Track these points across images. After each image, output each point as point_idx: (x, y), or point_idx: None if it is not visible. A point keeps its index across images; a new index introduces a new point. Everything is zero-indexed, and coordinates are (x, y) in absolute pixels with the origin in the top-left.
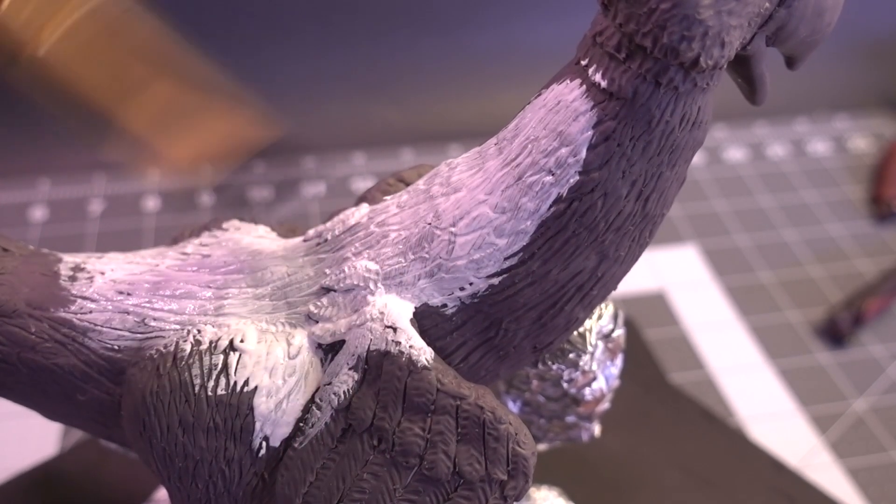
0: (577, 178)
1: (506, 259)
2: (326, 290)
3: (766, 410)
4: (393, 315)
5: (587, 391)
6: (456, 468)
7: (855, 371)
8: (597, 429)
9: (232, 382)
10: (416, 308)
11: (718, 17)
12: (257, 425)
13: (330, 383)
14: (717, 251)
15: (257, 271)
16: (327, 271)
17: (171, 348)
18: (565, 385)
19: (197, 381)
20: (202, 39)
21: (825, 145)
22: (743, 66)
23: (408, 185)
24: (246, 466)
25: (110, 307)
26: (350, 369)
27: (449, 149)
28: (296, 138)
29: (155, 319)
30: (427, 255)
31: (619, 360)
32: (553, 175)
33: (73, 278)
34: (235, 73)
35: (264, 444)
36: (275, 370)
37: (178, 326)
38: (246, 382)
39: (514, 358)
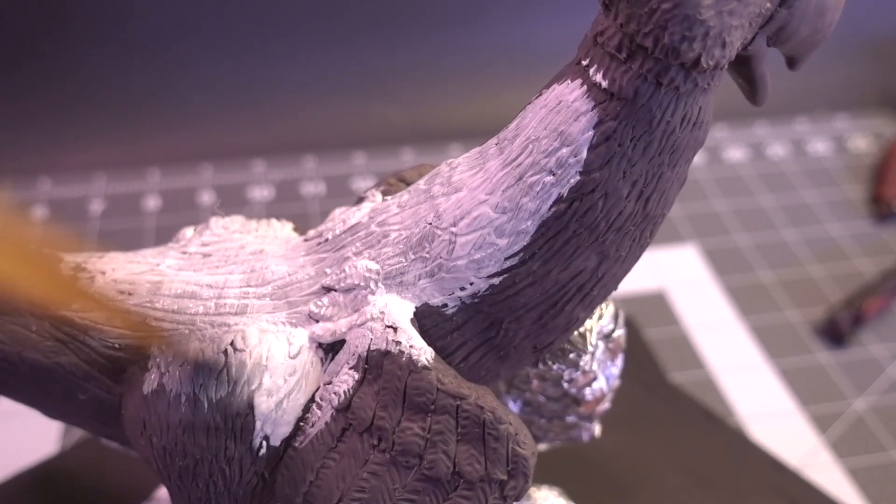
0: (578, 178)
1: (506, 259)
2: (327, 290)
3: (766, 410)
4: (393, 315)
5: (588, 391)
6: (456, 468)
7: (855, 371)
8: (597, 429)
9: (232, 382)
10: (416, 308)
11: (720, 18)
12: (258, 424)
13: (330, 382)
14: (717, 251)
15: (258, 271)
16: (328, 271)
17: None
18: (566, 385)
19: (198, 381)
20: (202, 40)
21: (825, 145)
22: (744, 67)
23: (409, 184)
24: (246, 465)
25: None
26: (350, 369)
27: (449, 149)
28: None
29: (156, 319)
30: (428, 255)
31: (619, 360)
32: (554, 175)
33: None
34: (235, 73)
35: (265, 443)
36: (275, 369)
37: (179, 326)
38: (246, 382)
39: (515, 358)
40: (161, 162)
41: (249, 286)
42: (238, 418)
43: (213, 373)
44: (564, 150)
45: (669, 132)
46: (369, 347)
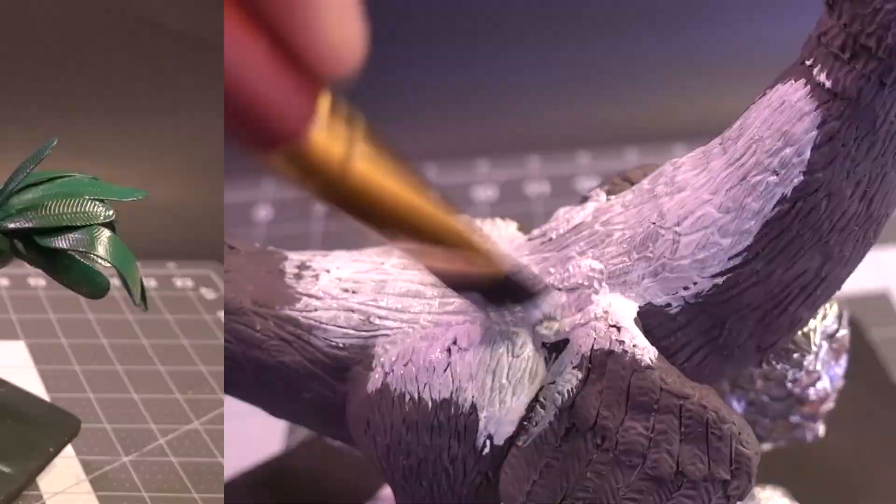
0: (802, 178)
1: (730, 259)
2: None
3: None
4: (617, 314)
5: (811, 391)
6: (679, 467)
7: None
8: (821, 429)
9: (456, 381)
10: (639, 307)
11: None
12: (481, 424)
13: (554, 382)
14: None
15: None
16: (552, 270)
17: (396, 347)
18: (789, 385)
19: (422, 380)
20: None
21: None
22: None
23: (633, 184)
24: (470, 465)
25: (335, 305)
26: (574, 368)
27: (673, 148)
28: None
29: (380, 318)
30: (651, 255)
31: (843, 361)
32: (777, 175)
33: (298, 276)
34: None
35: (488, 442)
36: (498, 369)
37: (402, 325)
38: (471, 380)
39: (738, 358)
40: None
41: None
42: (461, 417)
43: (437, 371)
44: (788, 150)
45: (893, 132)
46: (593, 347)
